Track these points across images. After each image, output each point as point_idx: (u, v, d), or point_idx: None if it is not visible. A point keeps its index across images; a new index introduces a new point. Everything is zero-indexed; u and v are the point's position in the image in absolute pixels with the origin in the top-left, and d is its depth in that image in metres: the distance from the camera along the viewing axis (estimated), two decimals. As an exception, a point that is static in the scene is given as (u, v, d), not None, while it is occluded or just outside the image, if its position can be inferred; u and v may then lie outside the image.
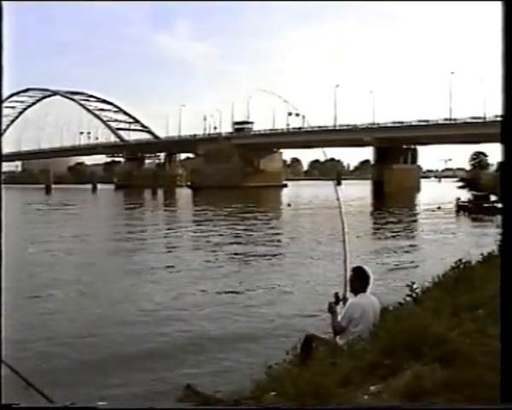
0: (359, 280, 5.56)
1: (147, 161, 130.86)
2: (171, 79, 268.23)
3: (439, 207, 46.23)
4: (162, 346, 9.41)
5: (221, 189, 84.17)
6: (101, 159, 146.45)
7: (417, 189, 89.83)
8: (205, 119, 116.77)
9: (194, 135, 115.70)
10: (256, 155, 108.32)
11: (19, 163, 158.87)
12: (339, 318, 5.44)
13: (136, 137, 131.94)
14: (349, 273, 5.74)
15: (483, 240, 21.70)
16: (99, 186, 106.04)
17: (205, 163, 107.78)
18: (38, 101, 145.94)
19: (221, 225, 32.99)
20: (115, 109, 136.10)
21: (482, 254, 9.41)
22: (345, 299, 5.69)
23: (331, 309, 5.52)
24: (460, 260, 8.06)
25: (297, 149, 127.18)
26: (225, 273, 16.60)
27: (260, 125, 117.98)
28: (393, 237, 26.69)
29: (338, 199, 6.64)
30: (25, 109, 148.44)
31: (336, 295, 5.69)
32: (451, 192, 55.35)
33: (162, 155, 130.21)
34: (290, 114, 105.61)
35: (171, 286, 14.71)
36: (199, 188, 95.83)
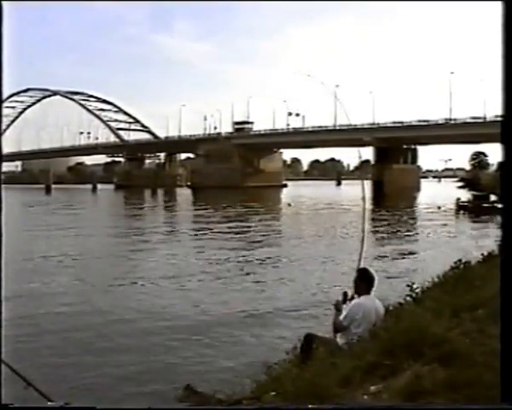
0: (363, 282, 5.56)
1: (147, 161, 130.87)
2: (172, 79, 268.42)
3: (439, 207, 46.24)
4: (162, 345, 9.41)
5: (221, 189, 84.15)
6: (101, 159, 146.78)
7: (417, 189, 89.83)
8: (205, 119, 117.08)
9: (195, 135, 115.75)
10: (256, 155, 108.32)
11: (19, 163, 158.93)
12: (341, 317, 5.45)
13: (136, 137, 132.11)
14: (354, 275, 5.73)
15: (483, 240, 21.70)
16: (99, 186, 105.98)
17: (205, 163, 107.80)
18: (38, 101, 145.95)
19: (221, 225, 32.99)
20: (115, 109, 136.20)
21: (482, 254, 9.41)
22: (353, 299, 5.69)
23: (337, 307, 5.54)
24: (460, 260, 8.07)
25: (297, 149, 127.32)
26: (225, 273, 16.59)
27: (260, 125, 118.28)
28: (393, 236, 26.70)
29: (363, 198, 6.63)
30: (25, 109, 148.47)
31: (345, 294, 5.69)
32: (451, 192, 55.36)
33: (162, 155, 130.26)
34: (290, 114, 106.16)
35: (170, 287, 14.72)
36: (199, 188, 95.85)
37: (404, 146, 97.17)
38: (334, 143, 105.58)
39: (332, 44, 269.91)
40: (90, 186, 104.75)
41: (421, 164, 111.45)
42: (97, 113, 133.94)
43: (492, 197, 40.37)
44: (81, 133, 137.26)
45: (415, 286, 6.55)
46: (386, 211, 42.60)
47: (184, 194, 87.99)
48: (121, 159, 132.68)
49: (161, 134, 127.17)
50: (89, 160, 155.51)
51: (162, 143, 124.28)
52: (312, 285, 14.39)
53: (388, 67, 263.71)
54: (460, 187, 61.58)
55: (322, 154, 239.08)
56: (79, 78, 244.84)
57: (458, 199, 44.01)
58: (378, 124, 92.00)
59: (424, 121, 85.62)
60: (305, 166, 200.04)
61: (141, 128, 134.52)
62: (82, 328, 10.50)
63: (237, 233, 28.49)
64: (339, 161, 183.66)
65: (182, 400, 4.96)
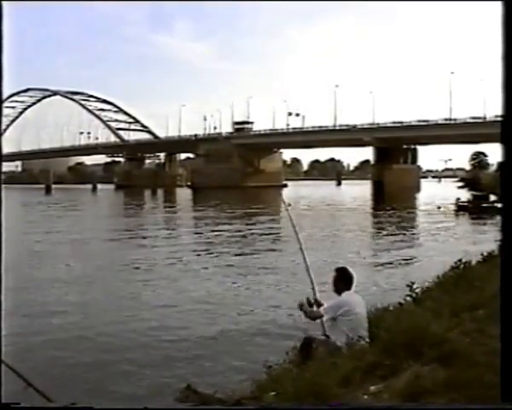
0: (343, 280, 5.70)
1: (147, 161, 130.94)
2: (171, 79, 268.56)
3: (439, 207, 46.24)
4: (162, 346, 9.40)
5: (221, 189, 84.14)
6: (101, 159, 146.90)
7: (417, 189, 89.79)
8: (205, 119, 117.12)
9: (195, 135, 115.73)
10: (256, 155, 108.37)
11: (19, 163, 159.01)
12: (321, 308, 5.62)
13: (136, 137, 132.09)
14: (333, 274, 5.83)
15: (483, 240, 21.68)
16: (99, 186, 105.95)
17: (205, 163, 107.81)
18: (38, 101, 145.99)
19: (221, 226, 32.98)
20: (115, 109, 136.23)
21: (482, 255, 9.41)
22: (316, 302, 5.83)
23: (300, 305, 5.71)
24: (460, 261, 8.06)
25: (297, 149, 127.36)
26: (225, 274, 16.56)
27: (260, 125, 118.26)
28: (393, 236, 26.66)
29: (284, 202, 6.93)
30: (25, 109, 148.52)
31: (308, 299, 5.81)
32: (451, 192, 55.30)
33: (162, 155, 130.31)
34: (290, 114, 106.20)
35: (170, 287, 14.71)
36: (199, 188, 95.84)
37: (404, 146, 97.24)
38: (334, 143, 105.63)
39: (332, 44, 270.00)
40: (90, 186, 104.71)
41: (421, 164, 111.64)
42: (97, 113, 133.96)
43: (492, 197, 40.34)
44: (81, 133, 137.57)
45: (415, 286, 6.56)
46: (386, 211, 42.59)
47: (184, 194, 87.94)
48: (121, 159, 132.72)
49: (161, 134, 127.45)
50: (89, 160, 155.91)
51: (162, 143, 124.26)
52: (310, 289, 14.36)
53: (388, 67, 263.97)
54: (460, 187, 61.49)
55: (322, 154, 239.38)
56: (79, 78, 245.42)
57: (458, 199, 43.96)
58: (378, 124, 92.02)
59: (424, 121, 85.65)
60: (305, 166, 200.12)
61: (141, 128, 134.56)
62: (81, 330, 10.49)
63: (237, 236, 28.45)
64: (339, 161, 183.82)
65: (182, 400, 4.95)
